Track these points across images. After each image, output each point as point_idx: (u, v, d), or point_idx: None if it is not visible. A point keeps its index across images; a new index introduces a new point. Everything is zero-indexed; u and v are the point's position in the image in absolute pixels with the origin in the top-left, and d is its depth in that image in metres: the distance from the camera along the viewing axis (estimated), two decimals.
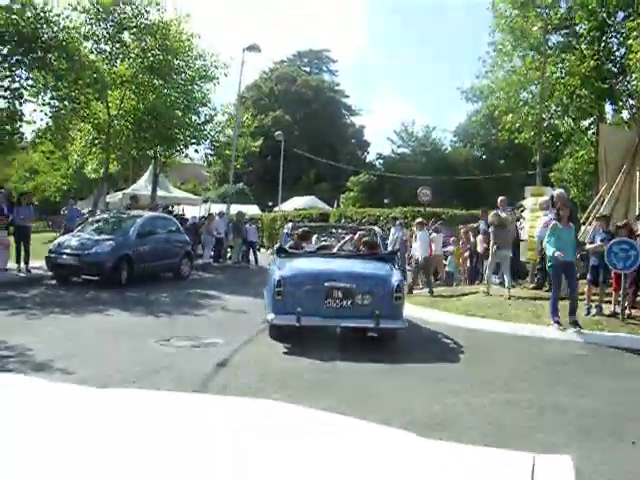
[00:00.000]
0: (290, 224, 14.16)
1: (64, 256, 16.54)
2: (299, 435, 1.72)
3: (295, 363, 8.67)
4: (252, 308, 12.44)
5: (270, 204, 49.19)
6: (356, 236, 12.73)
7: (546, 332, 11.08)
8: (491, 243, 15.38)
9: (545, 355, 9.74)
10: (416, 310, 13.69)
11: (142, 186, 31.50)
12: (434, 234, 19.57)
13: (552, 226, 11.50)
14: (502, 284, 16.17)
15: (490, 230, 15.76)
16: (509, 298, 14.01)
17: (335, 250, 12.15)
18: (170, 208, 34.24)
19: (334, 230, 16.32)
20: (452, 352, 9.85)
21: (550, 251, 11.28)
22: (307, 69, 79.82)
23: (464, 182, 54.34)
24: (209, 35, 48.26)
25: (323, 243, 12.85)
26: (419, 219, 18.48)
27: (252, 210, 45.83)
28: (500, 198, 16.82)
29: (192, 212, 34.41)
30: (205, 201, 42.06)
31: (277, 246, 11.91)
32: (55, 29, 19.85)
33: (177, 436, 1.61)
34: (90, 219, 19.42)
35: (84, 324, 10.96)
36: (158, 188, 30.42)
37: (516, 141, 20.97)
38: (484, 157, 63.88)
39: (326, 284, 9.69)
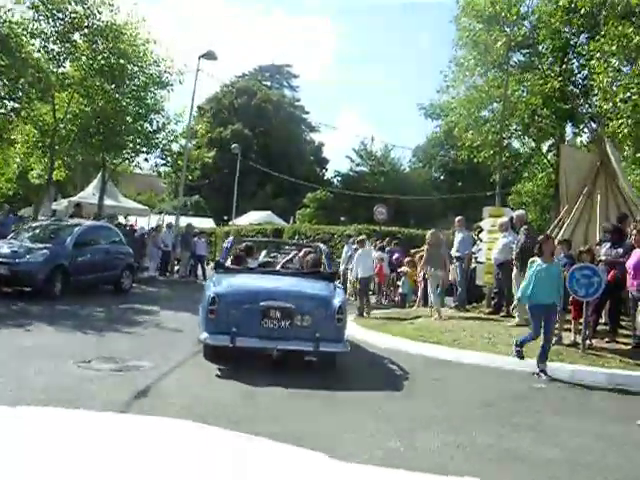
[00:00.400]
0: (231, 238, 13.39)
1: None
2: (208, 456, 1.72)
3: (224, 390, 7.89)
4: (191, 326, 11.26)
5: (226, 218, 48.36)
6: (301, 253, 11.95)
7: (503, 362, 10.26)
8: (422, 262, 15.37)
9: (501, 388, 8.98)
10: (364, 333, 12.97)
11: (89, 194, 30.24)
12: (379, 253, 19.09)
13: (530, 262, 10.13)
14: (457, 307, 15.61)
15: (425, 249, 15.45)
16: (434, 317, 14.08)
17: (278, 267, 11.45)
18: (121, 219, 33.14)
19: (283, 246, 15.55)
20: (399, 382, 9.03)
21: (519, 292, 9.89)
22: (268, 83, 79.07)
23: (422, 202, 54.15)
24: (170, 46, 46.78)
25: (265, 259, 11.96)
26: (361, 236, 17.96)
27: (207, 223, 45.25)
28: (457, 218, 16.19)
29: (144, 223, 33.33)
30: (160, 212, 41.14)
31: (215, 261, 11.13)
32: None
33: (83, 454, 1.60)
34: (25, 226, 18.25)
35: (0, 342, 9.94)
36: (106, 197, 29.27)
37: (475, 160, 20.32)
38: (442, 178, 63.82)
39: (263, 303, 9.03)
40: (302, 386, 8.24)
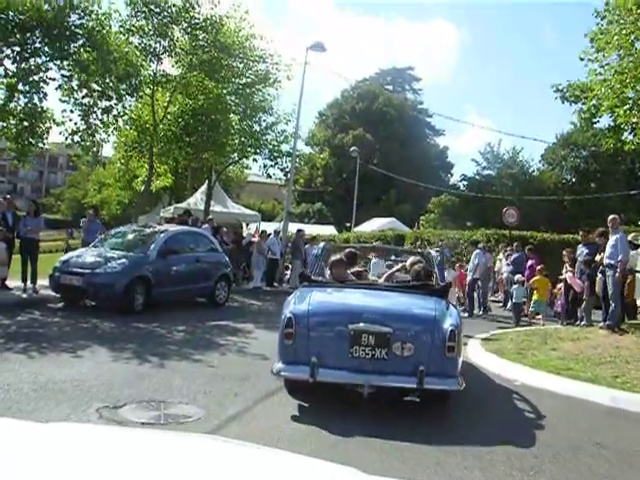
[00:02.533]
0: (322, 244, 11.06)
1: (68, 276, 13.79)
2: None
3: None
4: None
5: (348, 225, 46.72)
6: (408, 262, 9.42)
7: None
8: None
9: None
10: (492, 361, 10.32)
11: (198, 200, 28.91)
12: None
13: None
14: (610, 327, 12.72)
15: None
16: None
17: (382, 279, 9.14)
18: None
19: (386, 253, 13.14)
20: (544, 449, 6.14)
21: None
22: (390, 87, 76.60)
23: (552, 206, 50.56)
24: (276, 41, 45.32)
25: (357, 269, 9.38)
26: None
27: (329, 230, 44.19)
28: (611, 217, 13.11)
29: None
30: (281, 220, 40.19)
31: (301, 272, 8.94)
32: (82, 15, 17.30)
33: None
34: (110, 232, 16.60)
35: (31, 372, 7.84)
36: (215, 203, 27.86)
37: (627, 147, 16.81)
38: (574, 180, 59.48)
39: (352, 326, 6.95)
40: (399, 437, 6.04)
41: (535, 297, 16.99)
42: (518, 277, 17.40)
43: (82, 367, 8.37)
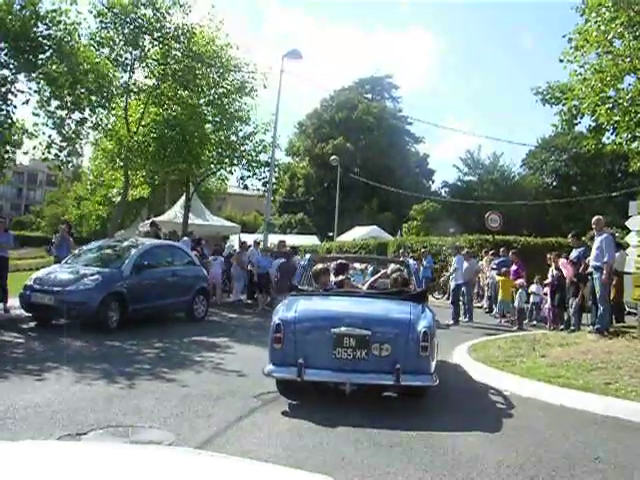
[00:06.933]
0: (308, 255, 11.92)
1: (39, 294, 13.28)
2: None
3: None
4: (260, 367, 8.15)
5: (330, 234, 46.58)
6: (389, 270, 9.79)
7: None
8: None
9: None
10: (479, 370, 9.98)
11: (177, 213, 28.41)
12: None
13: None
14: (599, 331, 12.41)
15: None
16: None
17: (365, 287, 9.76)
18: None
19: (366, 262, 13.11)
20: (539, 466, 5.72)
21: None
22: (369, 96, 76.48)
23: (533, 210, 50.84)
24: (252, 50, 44.96)
25: (341, 277, 9.70)
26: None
27: (311, 240, 44.21)
28: (595, 218, 12.81)
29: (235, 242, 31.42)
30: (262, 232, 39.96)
31: (289, 282, 9.57)
32: (50, 25, 16.82)
33: None
34: (83, 248, 16.08)
35: None
36: (193, 215, 27.38)
37: (608, 148, 16.61)
38: (554, 184, 59.71)
39: (335, 330, 7.67)
40: (386, 458, 5.69)
41: (500, 297, 17.89)
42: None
43: (46, 391, 7.87)
